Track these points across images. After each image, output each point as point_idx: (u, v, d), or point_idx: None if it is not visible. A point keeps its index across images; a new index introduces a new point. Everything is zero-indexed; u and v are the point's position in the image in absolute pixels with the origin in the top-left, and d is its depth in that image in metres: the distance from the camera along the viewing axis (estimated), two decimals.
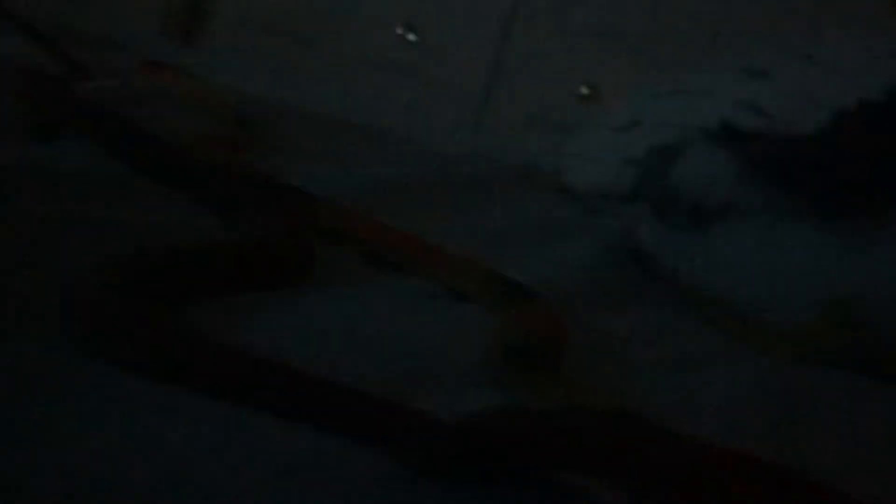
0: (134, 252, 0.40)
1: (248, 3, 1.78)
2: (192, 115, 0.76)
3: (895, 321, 0.62)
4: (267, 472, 0.29)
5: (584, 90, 1.69)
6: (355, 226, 0.58)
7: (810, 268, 0.65)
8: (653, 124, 1.00)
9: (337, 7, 1.76)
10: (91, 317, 0.33)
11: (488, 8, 1.74)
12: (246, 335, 0.40)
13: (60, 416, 0.30)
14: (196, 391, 0.32)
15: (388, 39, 1.75)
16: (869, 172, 0.64)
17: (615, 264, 0.75)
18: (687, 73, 1.12)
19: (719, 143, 0.74)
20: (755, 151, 0.72)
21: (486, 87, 1.78)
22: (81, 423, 0.30)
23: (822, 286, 0.64)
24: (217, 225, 0.53)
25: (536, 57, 1.73)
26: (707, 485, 0.25)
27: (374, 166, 0.86)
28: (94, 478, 0.27)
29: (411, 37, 1.74)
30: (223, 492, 0.27)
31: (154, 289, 0.37)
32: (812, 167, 0.67)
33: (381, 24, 1.74)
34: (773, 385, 0.53)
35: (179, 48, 1.55)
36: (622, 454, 0.24)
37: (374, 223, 0.59)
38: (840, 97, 0.87)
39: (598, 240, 0.80)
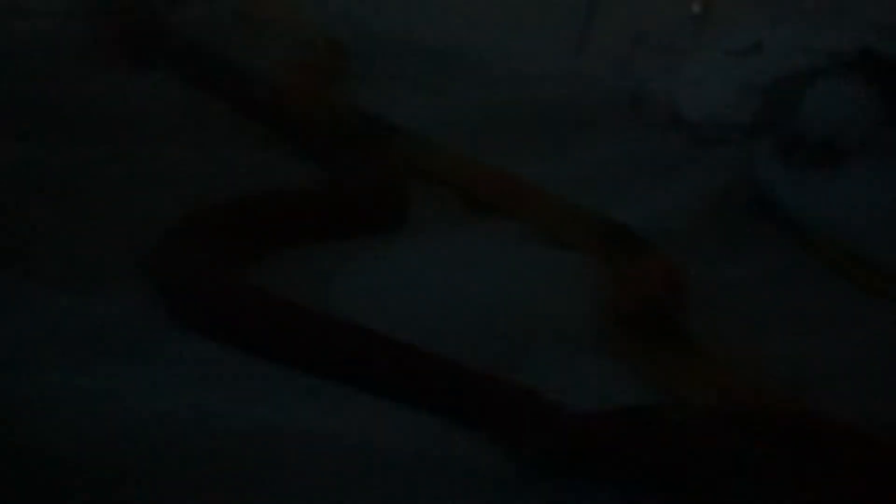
0: (223, 201, 0.39)
1: None
2: (283, 41, 0.73)
3: None
4: (355, 454, 0.27)
5: (697, 8, 1.60)
6: (451, 167, 0.55)
7: None
8: (777, 48, 0.93)
9: None
10: (168, 281, 0.32)
11: None
12: (334, 289, 0.38)
13: (134, 377, 0.29)
14: (269, 359, 0.30)
15: None
16: None
17: (731, 205, 0.70)
18: None
19: (858, 73, 0.67)
20: None
21: (590, 4, 1.70)
22: (154, 386, 0.29)
23: None
24: (310, 167, 0.51)
25: None
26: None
27: (469, 95, 0.82)
28: (158, 441, 0.26)
29: None
30: (287, 468, 0.25)
31: (240, 240, 0.36)
32: None
33: None
34: None
35: None
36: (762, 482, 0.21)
37: (470, 163, 0.55)
38: None
39: (712, 177, 0.75)
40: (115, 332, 0.31)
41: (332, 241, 0.42)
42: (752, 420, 0.25)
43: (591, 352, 0.37)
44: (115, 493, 0.24)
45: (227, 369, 0.30)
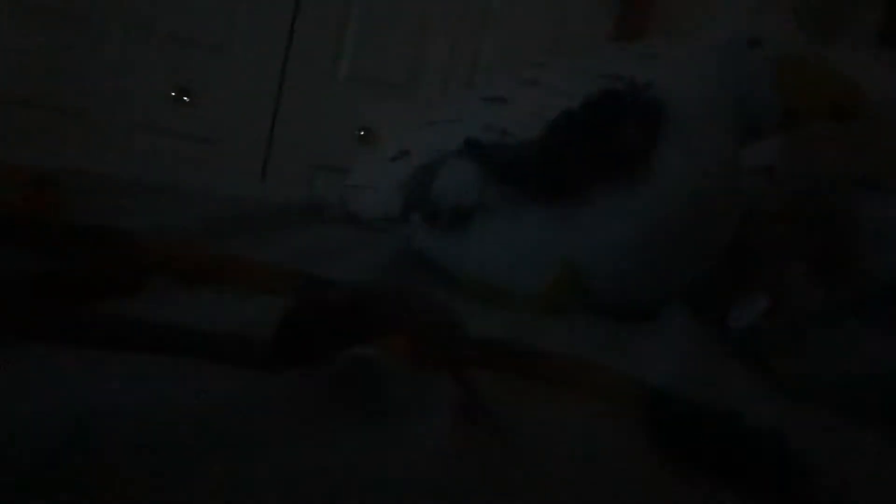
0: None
1: (5, 81, 1.80)
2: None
3: (606, 273, 0.85)
4: None
5: (360, 132, 1.89)
6: (176, 253, 0.71)
7: (541, 241, 0.86)
8: (419, 152, 1.20)
9: (102, 79, 1.83)
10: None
11: (260, 67, 1.89)
12: None
13: None
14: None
15: (162, 103, 1.85)
16: (574, 164, 0.87)
17: (403, 265, 0.93)
18: (442, 105, 1.34)
19: (467, 157, 0.95)
20: (493, 159, 0.93)
21: (268, 140, 1.93)
22: None
23: (552, 254, 0.86)
24: (48, 266, 0.65)
25: (312, 105, 1.91)
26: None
27: (175, 214, 0.98)
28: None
29: (186, 98, 1.86)
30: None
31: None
32: (532, 166, 0.89)
33: (152, 91, 1.84)
34: (515, 329, 0.73)
35: None
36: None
37: (191, 250, 0.72)
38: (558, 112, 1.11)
39: (386, 250, 0.97)
40: None
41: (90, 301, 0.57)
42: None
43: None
44: None
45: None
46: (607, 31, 1.89)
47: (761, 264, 0.89)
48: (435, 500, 0.34)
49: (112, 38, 1.87)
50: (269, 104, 1.93)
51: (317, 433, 0.37)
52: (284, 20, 1.91)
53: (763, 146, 0.97)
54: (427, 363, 0.39)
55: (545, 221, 0.86)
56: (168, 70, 1.87)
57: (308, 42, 1.91)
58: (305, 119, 1.92)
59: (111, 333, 0.46)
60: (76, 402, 0.37)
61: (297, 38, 1.91)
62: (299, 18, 1.91)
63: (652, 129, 0.84)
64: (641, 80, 0.91)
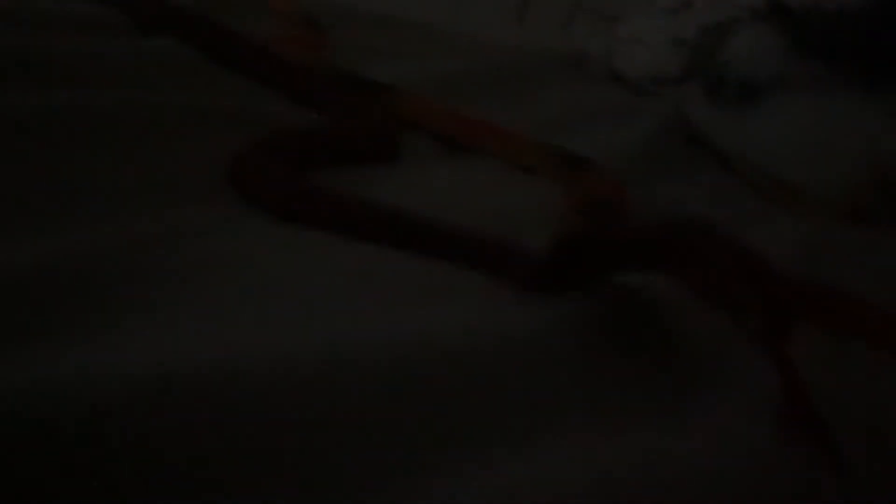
0: (268, 134, 0.50)
1: None
2: (266, 20, 0.84)
3: None
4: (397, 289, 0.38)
5: None
6: (429, 112, 0.67)
7: (853, 136, 0.73)
8: (703, 5, 1.06)
9: None
10: (256, 178, 0.43)
11: None
12: None
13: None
14: (336, 232, 0.42)
15: None
16: None
17: (668, 142, 0.83)
18: None
19: (769, 20, 0.81)
20: (803, 27, 0.79)
21: None
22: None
23: (862, 150, 0.72)
24: (307, 116, 0.63)
25: None
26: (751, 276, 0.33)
27: (428, 62, 0.94)
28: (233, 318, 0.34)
29: None
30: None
31: (290, 160, 0.48)
32: (856, 41, 0.74)
33: None
34: (809, 243, 0.62)
35: None
36: (692, 251, 0.32)
37: (445, 110, 0.67)
38: None
39: (651, 121, 0.88)
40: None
41: (345, 167, 0.54)
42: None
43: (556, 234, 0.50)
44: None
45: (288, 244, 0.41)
46: None
47: None
48: None
49: None
50: None
51: (583, 407, 0.30)
52: None
53: None
54: (730, 302, 0.31)
55: (861, 110, 0.72)
56: None
57: None
58: None
59: (369, 220, 0.41)
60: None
61: None
62: None
63: None
64: None
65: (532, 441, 0.28)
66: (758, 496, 0.27)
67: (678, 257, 0.32)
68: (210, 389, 0.25)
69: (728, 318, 0.31)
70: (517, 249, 0.40)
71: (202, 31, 0.67)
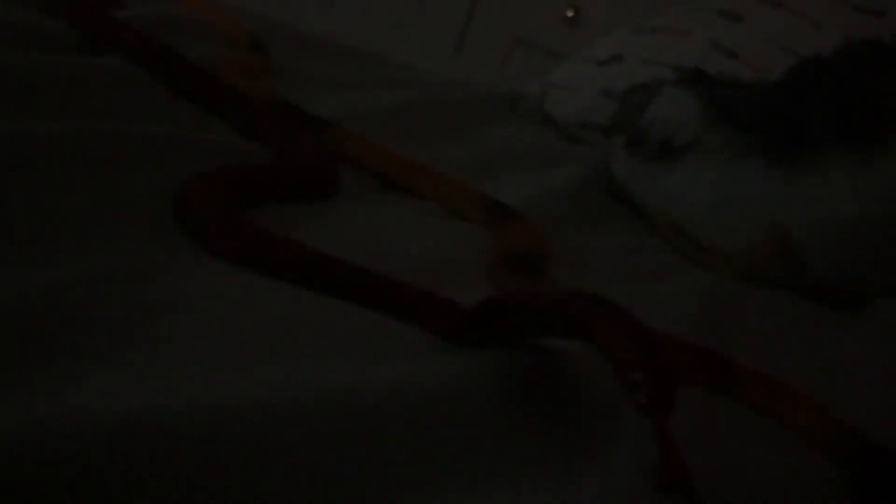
0: (215, 168, 0.53)
1: None
2: (212, 41, 0.87)
3: (824, 250, 0.77)
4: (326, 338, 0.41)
5: (570, 13, 1.79)
6: (369, 151, 0.70)
7: (755, 199, 0.80)
8: (633, 60, 1.12)
9: None
10: (199, 218, 0.46)
11: None
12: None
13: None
14: (273, 277, 0.45)
15: None
16: (815, 119, 0.78)
17: (591, 192, 0.89)
18: (669, 8, 1.24)
19: (690, 87, 0.87)
20: (720, 96, 0.85)
21: (470, 10, 1.87)
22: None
23: (764, 215, 0.79)
24: (250, 147, 0.65)
25: None
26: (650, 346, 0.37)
27: (369, 93, 0.97)
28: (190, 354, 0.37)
29: None
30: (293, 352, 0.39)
31: (233, 198, 0.51)
32: (766, 113, 0.81)
33: None
34: (711, 296, 0.68)
35: None
36: (596, 320, 0.37)
37: (384, 149, 0.71)
38: (801, 43, 1.00)
39: (577, 170, 0.93)
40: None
41: (285, 203, 0.57)
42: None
43: (481, 284, 0.54)
44: None
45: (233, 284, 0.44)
46: None
47: None
48: None
49: None
50: None
51: (491, 463, 0.34)
52: None
53: None
54: (630, 371, 0.35)
55: (766, 177, 0.79)
56: None
57: None
58: None
59: (305, 268, 0.45)
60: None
61: None
62: None
63: None
64: None
65: (442, 497, 0.32)
66: None
67: (586, 329, 0.36)
68: (134, 438, 0.30)
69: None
70: (443, 303, 0.44)
71: (150, 53, 0.69)
